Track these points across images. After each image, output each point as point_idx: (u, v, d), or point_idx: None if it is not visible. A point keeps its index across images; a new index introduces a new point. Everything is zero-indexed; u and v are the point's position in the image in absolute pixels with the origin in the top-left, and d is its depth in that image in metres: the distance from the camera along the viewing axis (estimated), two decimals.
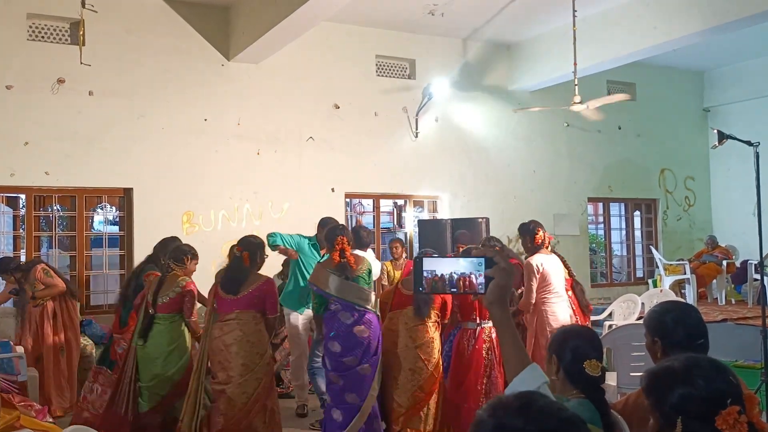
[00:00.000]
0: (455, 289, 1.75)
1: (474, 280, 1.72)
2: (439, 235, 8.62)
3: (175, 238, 6.20)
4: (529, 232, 5.76)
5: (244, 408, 4.84)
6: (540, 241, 5.71)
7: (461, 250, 7.77)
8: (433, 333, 5.26)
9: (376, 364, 5.06)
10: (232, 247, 5.36)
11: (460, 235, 8.39)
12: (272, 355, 5.33)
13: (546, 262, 5.59)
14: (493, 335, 5.17)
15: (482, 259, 1.73)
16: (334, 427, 5.02)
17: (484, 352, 5.16)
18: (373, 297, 5.23)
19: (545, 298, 5.51)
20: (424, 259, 1.76)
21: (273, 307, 5.04)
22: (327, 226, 6.09)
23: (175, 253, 5.45)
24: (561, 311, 5.50)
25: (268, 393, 4.96)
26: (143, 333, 5.26)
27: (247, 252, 5.04)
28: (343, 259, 5.10)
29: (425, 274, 1.74)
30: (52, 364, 6.39)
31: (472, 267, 1.73)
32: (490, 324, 5.15)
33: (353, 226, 8.36)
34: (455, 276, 1.73)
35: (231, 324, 4.93)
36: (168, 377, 5.24)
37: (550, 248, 5.90)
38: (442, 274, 1.73)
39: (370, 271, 5.27)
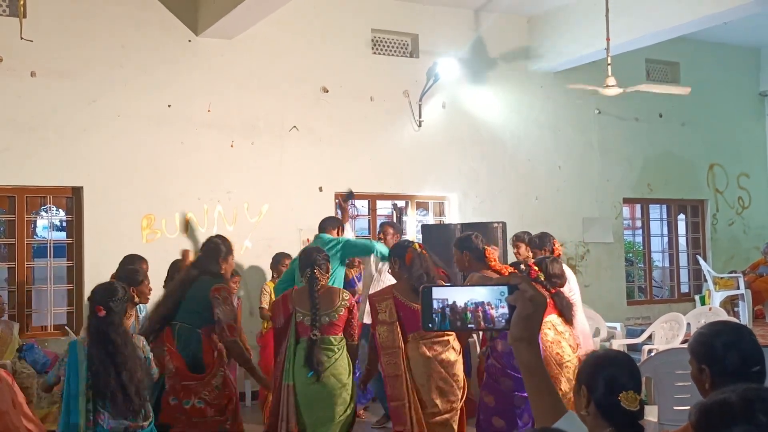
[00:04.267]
0: (473, 325, 1.70)
1: (494, 312, 1.69)
2: (446, 243, 8.62)
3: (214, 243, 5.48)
4: (547, 244, 6.55)
5: None
6: (559, 253, 6.44)
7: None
8: None
9: None
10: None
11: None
12: None
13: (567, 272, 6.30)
14: None
15: (505, 288, 1.69)
16: None
17: None
18: None
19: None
20: (433, 288, 1.70)
21: None
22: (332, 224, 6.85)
23: (317, 259, 5.23)
24: (583, 323, 6.21)
25: None
26: (316, 365, 4.89)
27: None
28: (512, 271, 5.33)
29: (436, 305, 1.69)
30: None
31: (492, 296, 1.70)
32: None
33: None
34: (484, 307, 1.68)
35: (443, 342, 4.98)
36: (345, 419, 5.02)
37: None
38: (455, 303, 1.68)
39: None
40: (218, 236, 5.51)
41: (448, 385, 4.92)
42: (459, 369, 5.03)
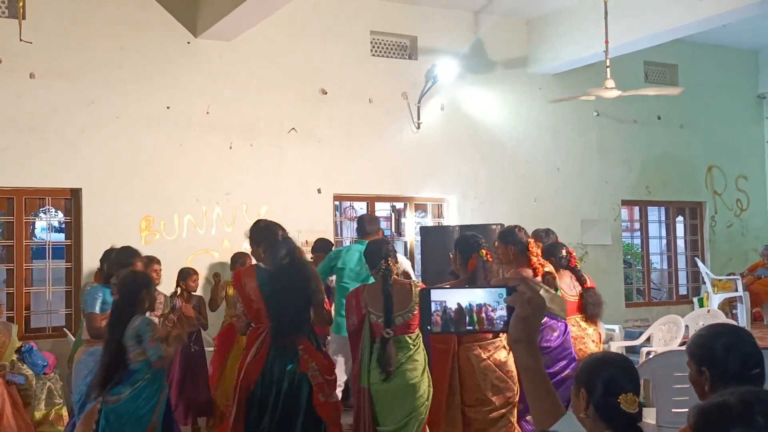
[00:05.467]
0: (471, 327, 1.71)
1: (493, 314, 1.70)
2: (444, 245, 8.63)
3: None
4: (543, 240, 6.63)
5: None
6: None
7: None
8: None
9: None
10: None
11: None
12: None
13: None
14: None
15: (503, 290, 1.70)
16: None
17: None
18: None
19: None
20: (432, 290, 1.71)
21: None
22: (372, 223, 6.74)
23: (389, 251, 5.04)
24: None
25: None
26: (386, 365, 4.77)
27: (489, 251, 5.15)
28: (547, 270, 5.33)
29: (434, 307, 1.69)
30: None
31: (490, 298, 1.70)
32: None
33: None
34: (483, 309, 1.69)
35: (495, 344, 4.98)
36: (425, 412, 4.95)
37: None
38: (454, 305, 1.69)
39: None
40: (263, 221, 5.18)
41: (503, 382, 4.97)
42: (512, 365, 5.02)
